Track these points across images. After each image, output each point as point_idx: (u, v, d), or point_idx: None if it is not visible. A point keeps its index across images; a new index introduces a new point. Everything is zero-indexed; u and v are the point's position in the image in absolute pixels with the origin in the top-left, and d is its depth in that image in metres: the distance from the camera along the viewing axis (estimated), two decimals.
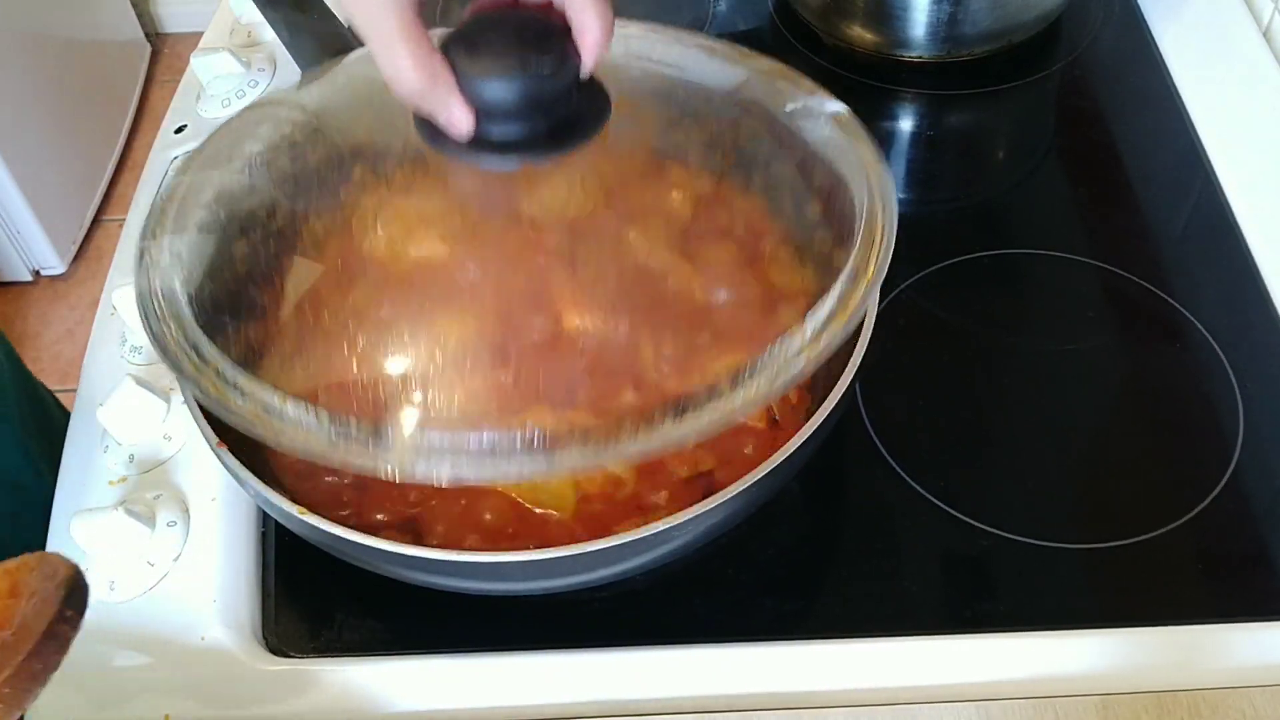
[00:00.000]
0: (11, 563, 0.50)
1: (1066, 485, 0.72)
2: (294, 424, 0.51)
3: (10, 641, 0.42)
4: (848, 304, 0.55)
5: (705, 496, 0.55)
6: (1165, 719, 0.59)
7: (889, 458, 0.72)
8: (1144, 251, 0.85)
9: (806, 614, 0.66)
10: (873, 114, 1.01)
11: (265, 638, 0.65)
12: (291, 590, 0.68)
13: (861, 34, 1.01)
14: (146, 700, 0.62)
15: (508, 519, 0.64)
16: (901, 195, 0.94)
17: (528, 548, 0.55)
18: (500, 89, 0.52)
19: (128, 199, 0.87)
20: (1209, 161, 0.90)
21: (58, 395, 1.04)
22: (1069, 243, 0.86)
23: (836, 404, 0.58)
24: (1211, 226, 0.86)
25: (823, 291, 0.59)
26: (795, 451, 0.56)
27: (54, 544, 0.68)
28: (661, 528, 0.54)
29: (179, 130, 0.93)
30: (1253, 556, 0.67)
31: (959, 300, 0.83)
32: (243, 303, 0.60)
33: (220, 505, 0.69)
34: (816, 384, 0.69)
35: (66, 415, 0.78)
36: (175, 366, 0.55)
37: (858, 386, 0.63)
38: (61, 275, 2.12)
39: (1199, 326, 0.79)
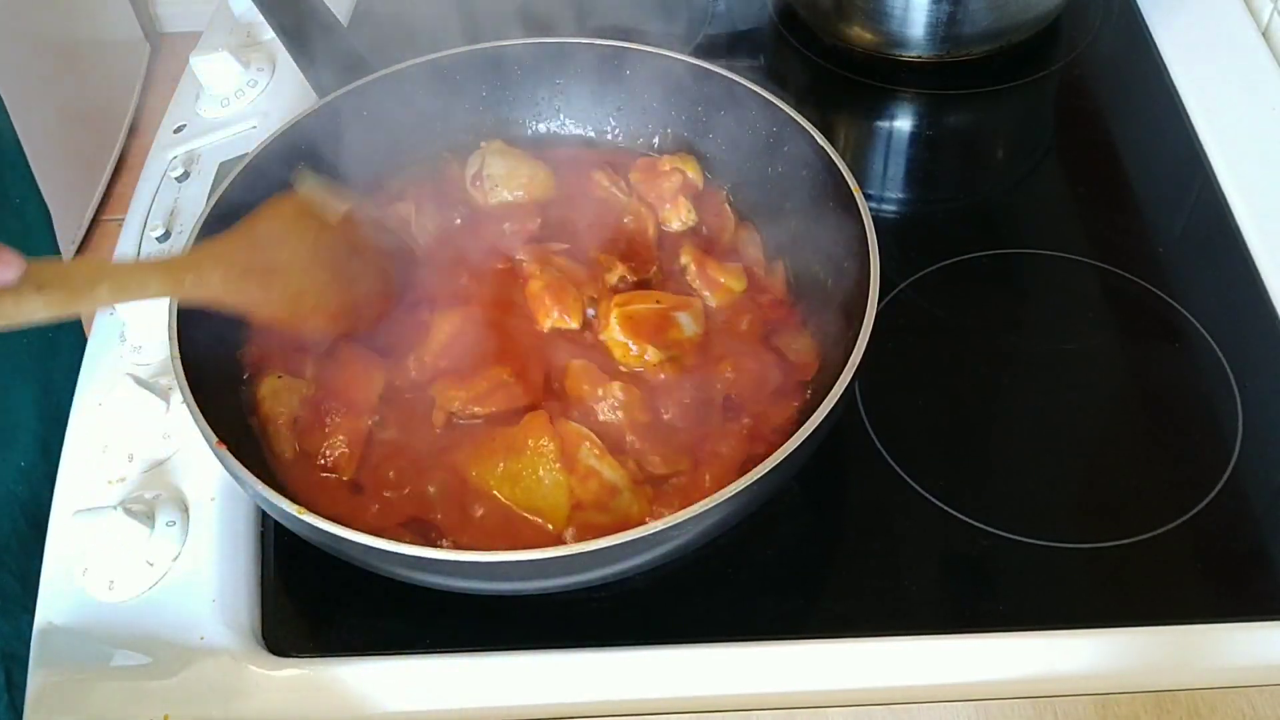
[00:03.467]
0: None
1: (1066, 485, 0.72)
2: None
3: None
4: None
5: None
6: (1164, 718, 0.59)
7: (889, 458, 0.72)
8: (1144, 251, 0.85)
9: (806, 614, 0.66)
10: (872, 114, 1.01)
11: (265, 638, 0.65)
12: (291, 590, 0.68)
13: (861, 34, 1.01)
14: (146, 700, 0.62)
15: (498, 521, 0.64)
16: (901, 195, 0.94)
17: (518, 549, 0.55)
18: None
19: (127, 199, 0.87)
20: (1208, 161, 0.90)
21: None
22: (1069, 243, 0.86)
23: (836, 404, 0.58)
24: (1211, 226, 0.86)
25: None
26: (795, 451, 0.56)
27: (54, 543, 0.68)
28: (661, 527, 0.54)
29: (178, 130, 0.93)
30: (1252, 556, 0.67)
31: (959, 300, 0.83)
32: None
33: (220, 505, 0.69)
34: (816, 384, 0.69)
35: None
36: None
37: (858, 386, 0.63)
38: None
39: (1199, 326, 0.79)
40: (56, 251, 1.04)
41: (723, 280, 0.74)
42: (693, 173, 0.79)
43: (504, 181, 0.79)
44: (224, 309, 0.62)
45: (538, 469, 0.63)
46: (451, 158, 0.83)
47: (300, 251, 0.65)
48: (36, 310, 0.51)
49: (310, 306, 0.65)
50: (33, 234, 0.95)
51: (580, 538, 0.55)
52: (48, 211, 0.99)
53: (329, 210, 0.68)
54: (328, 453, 0.66)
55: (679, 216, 0.78)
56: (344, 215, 0.68)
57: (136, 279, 0.55)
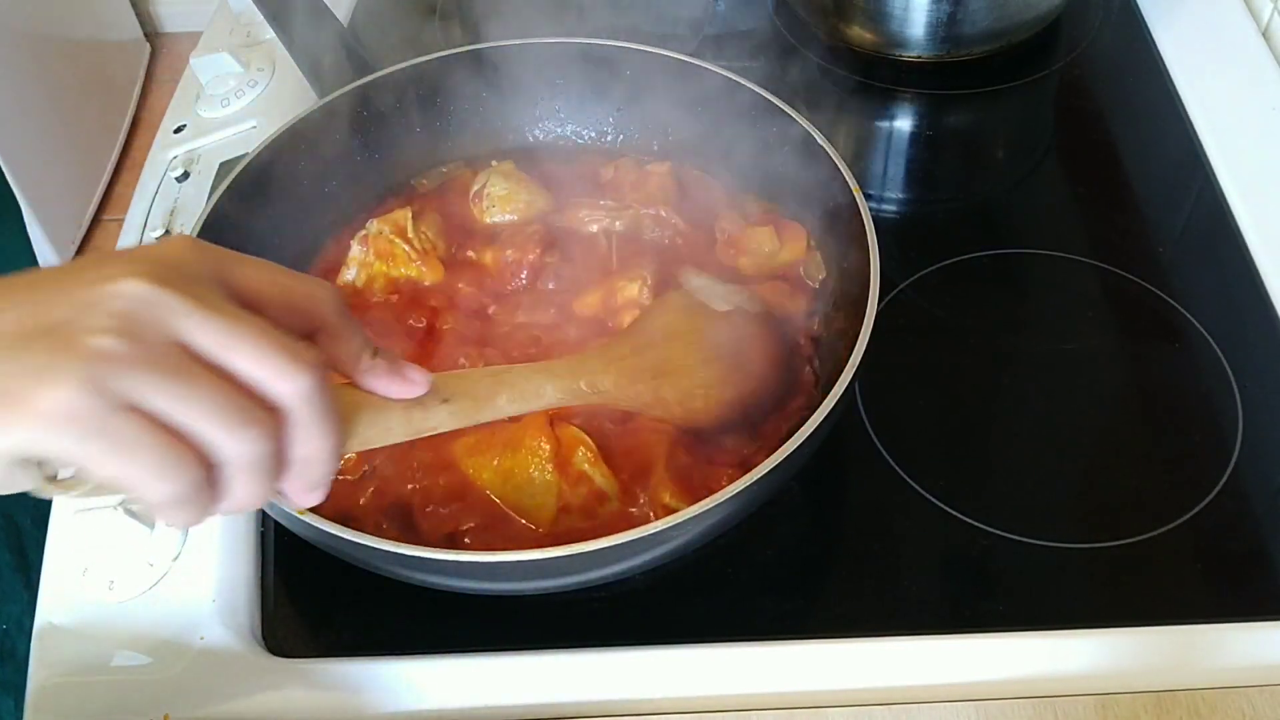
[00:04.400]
0: None
1: (1066, 485, 0.72)
2: None
3: None
4: None
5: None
6: (1164, 718, 0.59)
7: (889, 458, 0.72)
8: (1144, 251, 0.85)
9: (806, 614, 0.66)
10: (872, 114, 1.01)
11: (265, 638, 0.65)
12: (291, 590, 0.68)
13: (861, 34, 1.01)
14: (146, 700, 0.62)
15: (484, 517, 0.64)
16: (901, 195, 0.94)
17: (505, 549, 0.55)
18: None
19: (127, 199, 0.87)
20: (1208, 161, 0.90)
21: None
22: (1069, 243, 0.86)
23: (836, 404, 0.58)
24: (1211, 226, 0.86)
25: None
26: (795, 451, 0.56)
27: (54, 544, 0.68)
28: (660, 527, 0.54)
29: (178, 130, 0.93)
30: (1252, 556, 0.67)
31: (959, 300, 0.83)
32: None
33: None
34: (816, 384, 0.69)
35: None
36: None
37: (857, 386, 0.63)
38: None
39: (1199, 326, 0.79)
40: (27, 243, 1.01)
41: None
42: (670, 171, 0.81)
43: (500, 202, 0.79)
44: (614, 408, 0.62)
45: (530, 468, 0.63)
46: (465, 168, 0.83)
47: (690, 349, 0.64)
48: (444, 422, 0.49)
49: (700, 404, 0.64)
50: None
51: (563, 541, 0.54)
52: (17, 204, 0.98)
53: (717, 303, 0.68)
54: None
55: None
56: (734, 308, 0.68)
57: (533, 388, 0.55)
